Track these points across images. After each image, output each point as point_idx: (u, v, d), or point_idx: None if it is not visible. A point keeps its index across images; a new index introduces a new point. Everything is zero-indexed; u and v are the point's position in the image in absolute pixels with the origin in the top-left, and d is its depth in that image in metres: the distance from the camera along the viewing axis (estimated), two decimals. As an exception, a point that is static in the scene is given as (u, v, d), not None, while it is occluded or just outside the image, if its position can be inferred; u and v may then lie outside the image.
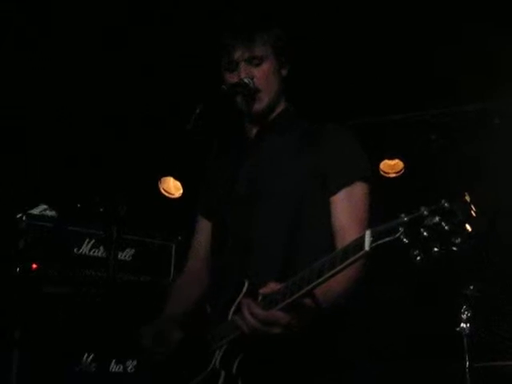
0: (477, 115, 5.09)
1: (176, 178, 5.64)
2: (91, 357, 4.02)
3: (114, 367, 4.12)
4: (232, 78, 2.48)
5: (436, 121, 5.22)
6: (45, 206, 4.17)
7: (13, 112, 4.85)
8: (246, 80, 2.44)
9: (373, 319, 4.63)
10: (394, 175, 5.50)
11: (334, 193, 2.38)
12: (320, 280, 1.97)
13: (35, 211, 4.14)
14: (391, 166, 5.51)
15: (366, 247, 1.85)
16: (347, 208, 2.36)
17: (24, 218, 4.06)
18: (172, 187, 5.72)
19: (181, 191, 5.69)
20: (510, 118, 4.99)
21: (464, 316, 4.08)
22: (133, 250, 4.37)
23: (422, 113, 5.26)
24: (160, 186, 5.68)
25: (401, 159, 5.47)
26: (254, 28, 2.50)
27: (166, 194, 5.70)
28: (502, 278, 4.38)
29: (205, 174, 2.79)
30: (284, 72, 2.56)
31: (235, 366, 2.21)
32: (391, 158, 5.49)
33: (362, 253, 1.87)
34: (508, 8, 4.19)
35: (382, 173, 5.47)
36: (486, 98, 4.97)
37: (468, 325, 4.08)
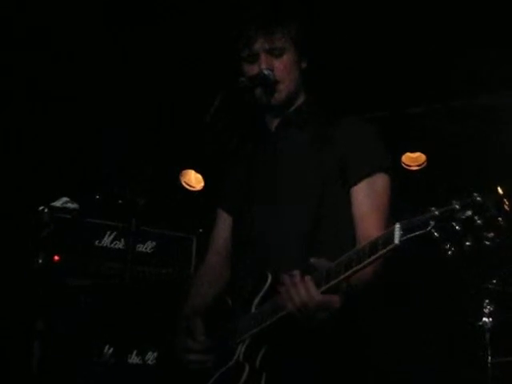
0: (502, 106, 5.02)
1: (197, 170, 5.65)
2: (112, 349, 4.05)
3: (134, 359, 4.15)
4: (252, 70, 2.48)
5: (458, 112, 5.16)
6: (66, 199, 4.19)
7: (34, 105, 4.88)
8: (265, 72, 2.43)
9: (393, 312, 4.60)
10: (416, 168, 5.45)
11: (355, 184, 2.38)
12: (348, 273, 1.99)
13: (57, 204, 4.17)
14: (413, 159, 5.46)
15: (396, 240, 1.85)
16: (368, 198, 2.35)
17: (46, 210, 4.09)
18: (193, 180, 5.72)
19: (202, 184, 5.69)
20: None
21: (486, 310, 4.05)
22: (154, 243, 4.39)
23: (443, 104, 5.20)
24: (181, 178, 5.69)
25: (423, 152, 5.43)
26: (274, 19, 2.48)
27: (187, 187, 5.70)
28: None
29: (225, 167, 2.79)
30: (304, 65, 2.55)
31: (259, 359, 2.21)
32: (413, 150, 5.44)
33: (391, 246, 1.87)
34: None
35: (403, 166, 5.43)
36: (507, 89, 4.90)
37: (490, 319, 4.04)
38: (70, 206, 4.20)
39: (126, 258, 3.68)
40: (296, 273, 2.09)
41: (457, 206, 1.76)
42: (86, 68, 4.79)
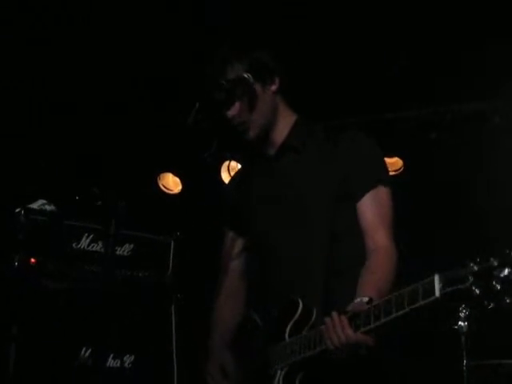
0: (477, 114, 5.08)
1: (175, 174, 5.64)
2: (89, 352, 4.02)
3: (111, 362, 4.12)
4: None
5: (435, 119, 5.21)
6: (43, 201, 4.16)
7: (12, 106, 4.84)
8: (235, 123, 2.50)
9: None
10: (393, 173, 5.49)
11: (360, 198, 2.45)
12: (387, 319, 2.04)
13: (34, 206, 4.13)
14: (391, 164, 5.50)
15: (437, 293, 1.90)
16: (374, 209, 2.43)
17: (22, 212, 4.05)
18: (171, 183, 5.71)
19: (180, 187, 5.68)
20: (510, 118, 4.98)
21: (462, 314, 4.08)
22: (131, 246, 4.36)
23: (421, 111, 5.25)
24: (159, 181, 5.68)
25: (400, 157, 5.47)
26: (224, 61, 2.49)
27: (165, 190, 5.69)
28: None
29: (226, 191, 2.86)
30: (274, 87, 2.54)
31: None
32: (390, 155, 5.48)
33: (432, 299, 1.92)
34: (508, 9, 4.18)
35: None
36: (486, 97, 4.96)
37: (466, 323, 4.08)
38: (47, 208, 4.16)
39: (104, 260, 3.66)
40: (334, 314, 2.17)
41: (495, 264, 1.82)
42: (65, 69, 4.77)
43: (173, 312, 4.22)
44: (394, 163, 5.49)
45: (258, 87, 2.49)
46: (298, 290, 2.39)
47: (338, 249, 2.44)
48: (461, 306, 4.09)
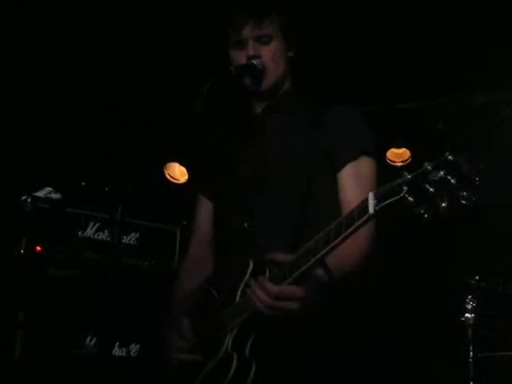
0: (486, 105, 5.05)
1: (181, 163, 5.63)
2: (94, 340, 4.02)
3: (117, 351, 4.12)
4: (240, 56, 2.48)
5: (443, 110, 5.18)
6: (49, 189, 4.16)
7: (18, 96, 4.83)
8: (254, 61, 2.44)
9: (376, 310, 4.61)
10: (401, 164, 5.46)
11: (341, 168, 2.37)
12: (327, 248, 1.93)
13: (40, 194, 4.13)
14: (398, 155, 5.48)
15: (371, 210, 1.80)
16: (354, 182, 2.34)
17: (29, 200, 4.05)
18: (177, 173, 5.70)
19: (186, 177, 5.67)
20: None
21: (469, 306, 4.07)
22: (137, 235, 4.36)
23: (429, 101, 5.22)
24: (165, 171, 5.67)
25: (408, 148, 5.44)
26: (263, 7, 2.49)
27: (172, 180, 5.68)
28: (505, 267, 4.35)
29: (206, 152, 2.77)
30: (290, 54, 2.56)
31: (248, 349, 2.18)
32: (398, 146, 5.45)
33: (366, 216, 1.82)
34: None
35: (388, 161, 5.44)
36: (496, 89, 4.93)
37: (472, 315, 4.06)
38: (53, 196, 4.17)
39: (110, 248, 3.66)
40: (260, 277, 2.08)
41: (429, 168, 1.70)
42: (71, 59, 4.76)
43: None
44: (401, 154, 5.46)
45: (283, 45, 2.51)
46: (258, 253, 2.25)
47: (310, 218, 2.33)
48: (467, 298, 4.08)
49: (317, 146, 2.39)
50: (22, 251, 3.94)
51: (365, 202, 1.84)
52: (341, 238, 1.91)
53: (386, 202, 1.77)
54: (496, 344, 4.18)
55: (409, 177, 1.73)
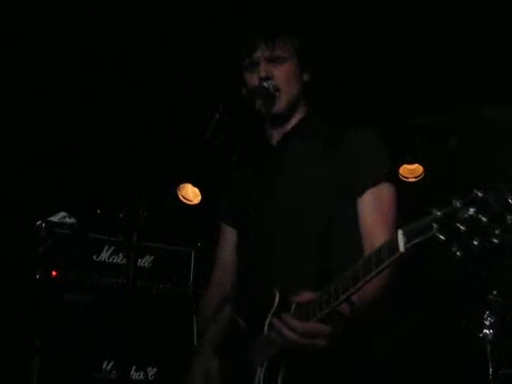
0: (497, 121, 5.03)
1: (194, 184, 5.63)
2: (111, 364, 4.01)
3: (134, 374, 4.11)
4: (252, 78, 2.46)
5: (456, 125, 5.17)
6: (64, 214, 4.17)
7: (31, 118, 4.87)
8: (265, 84, 2.42)
9: (395, 325, 4.58)
10: (413, 180, 5.45)
11: (360, 194, 2.35)
12: (357, 287, 1.93)
13: (55, 218, 4.15)
14: (411, 171, 5.47)
15: (401, 248, 1.78)
16: (374, 208, 2.32)
17: (43, 225, 4.07)
18: (190, 194, 5.70)
19: (199, 198, 5.68)
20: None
21: (487, 322, 4.03)
22: (152, 257, 4.36)
23: (440, 117, 5.21)
24: (178, 192, 5.67)
25: (420, 164, 5.43)
26: (276, 29, 2.47)
27: (185, 201, 5.69)
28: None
29: (227, 181, 2.76)
30: (306, 77, 2.53)
31: (279, 383, 2.16)
32: (411, 162, 5.44)
33: (397, 255, 1.80)
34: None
35: (401, 177, 5.43)
36: (507, 104, 4.92)
37: (491, 331, 4.02)
38: (68, 220, 4.18)
39: (125, 272, 3.65)
40: (285, 315, 2.08)
41: (458, 205, 1.68)
42: (86, 86, 4.80)
43: (194, 323, 4.21)
44: (414, 170, 5.45)
45: (298, 67, 2.49)
46: (282, 283, 2.28)
47: (333, 246, 2.33)
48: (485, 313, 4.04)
49: (336, 171, 2.37)
50: (37, 277, 3.95)
51: (394, 239, 1.82)
52: (370, 276, 1.90)
53: (416, 241, 1.76)
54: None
55: (439, 214, 1.71)
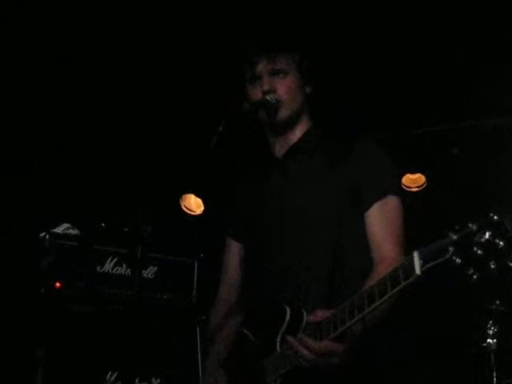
0: (499, 130, 5.04)
1: (197, 194, 5.64)
2: (115, 375, 4.01)
3: (137, 386, 4.11)
4: (255, 92, 2.50)
5: (458, 135, 5.18)
6: (68, 225, 4.18)
7: (35, 132, 4.89)
8: (268, 97, 2.44)
9: (398, 334, 4.58)
10: (416, 189, 5.46)
11: (368, 208, 2.37)
12: (372, 307, 1.94)
13: (58, 230, 4.15)
14: (413, 180, 5.48)
15: (417, 271, 1.79)
16: (382, 221, 2.35)
17: (47, 236, 4.07)
18: (193, 204, 5.72)
19: (202, 208, 5.69)
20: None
21: (490, 332, 4.03)
22: (155, 268, 4.36)
23: (443, 127, 5.22)
24: (181, 203, 5.69)
25: (423, 173, 5.44)
26: (277, 43, 2.51)
27: (187, 211, 5.70)
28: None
29: (230, 193, 2.77)
30: (308, 89, 2.56)
31: None
32: (413, 172, 5.45)
33: (413, 278, 1.80)
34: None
35: (403, 187, 5.44)
36: (509, 113, 4.93)
37: (494, 340, 4.02)
38: (72, 232, 4.19)
39: (129, 283, 3.65)
40: (300, 335, 2.10)
41: (474, 228, 1.69)
42: (89, 98, 4.81)
43: (198, 334, 4.21)
44: (416, 179, 5.46)
45: (300, 80, 2.51)
46: (298, 302, 2.30)
47: (342, 260, 2.35)
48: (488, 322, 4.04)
49: (342, 186, 2.39)
50: (41, 288, 3.95)
51: (409, 261, 1.83)
52: (386, 298, 1.91)
53: (432, 263, 1.77)
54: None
55: (454, 237, 1.72)
